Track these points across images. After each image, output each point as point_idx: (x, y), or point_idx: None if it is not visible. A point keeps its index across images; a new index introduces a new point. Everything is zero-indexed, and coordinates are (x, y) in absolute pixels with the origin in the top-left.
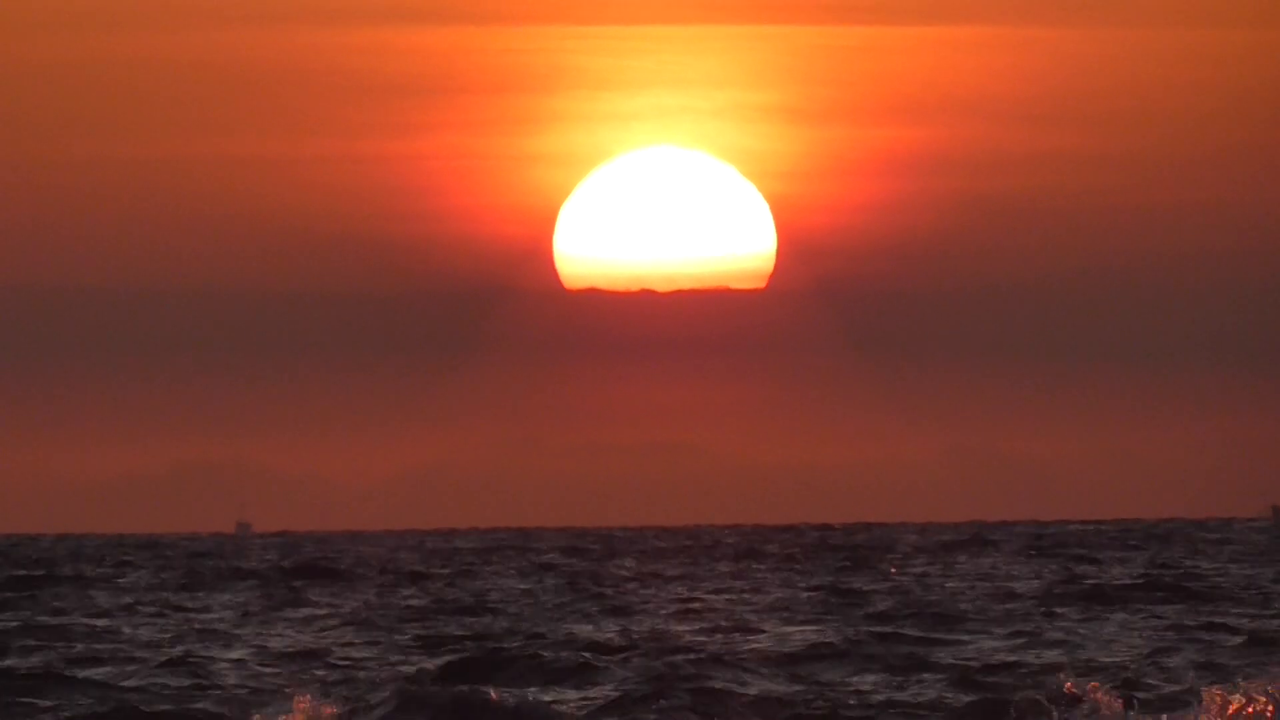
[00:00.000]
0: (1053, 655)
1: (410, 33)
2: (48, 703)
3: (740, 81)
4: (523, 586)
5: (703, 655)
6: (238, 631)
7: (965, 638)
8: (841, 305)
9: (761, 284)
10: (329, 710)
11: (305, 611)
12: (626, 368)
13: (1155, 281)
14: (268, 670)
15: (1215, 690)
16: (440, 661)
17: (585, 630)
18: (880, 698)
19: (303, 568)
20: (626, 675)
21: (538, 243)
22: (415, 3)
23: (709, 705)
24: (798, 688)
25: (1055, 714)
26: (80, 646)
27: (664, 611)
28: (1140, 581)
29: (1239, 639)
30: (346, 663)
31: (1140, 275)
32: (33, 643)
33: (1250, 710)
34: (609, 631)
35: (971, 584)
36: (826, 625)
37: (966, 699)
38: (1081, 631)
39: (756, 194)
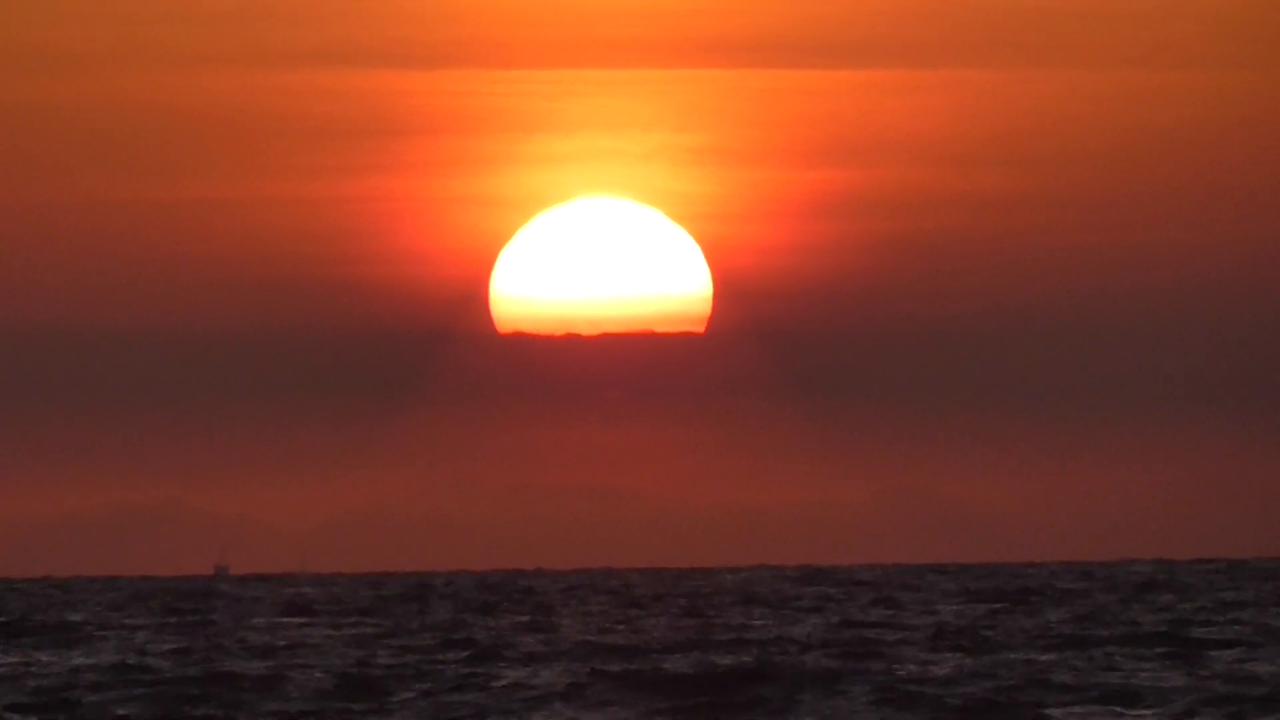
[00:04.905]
0: None
1: (345, 76)
2: None
3: (670, 124)
4: None
5: None
6: None
7: None
8: (775, 347)
9: (700, 327)
10: None
11: None
12: (557, 411)
13: (1086, 321)
14: None
15: None
16: None
17: None
18: None
19: None
20: None
21: (474, 286)
22: (350, 46)
23: None
24: None
25: None
26: None
27: None
28: None
29: None
30: None
31: (1071, 315)
32: None
33: None
34: None
35: None
36: None
37: None
38: None
39: (688, 237)
